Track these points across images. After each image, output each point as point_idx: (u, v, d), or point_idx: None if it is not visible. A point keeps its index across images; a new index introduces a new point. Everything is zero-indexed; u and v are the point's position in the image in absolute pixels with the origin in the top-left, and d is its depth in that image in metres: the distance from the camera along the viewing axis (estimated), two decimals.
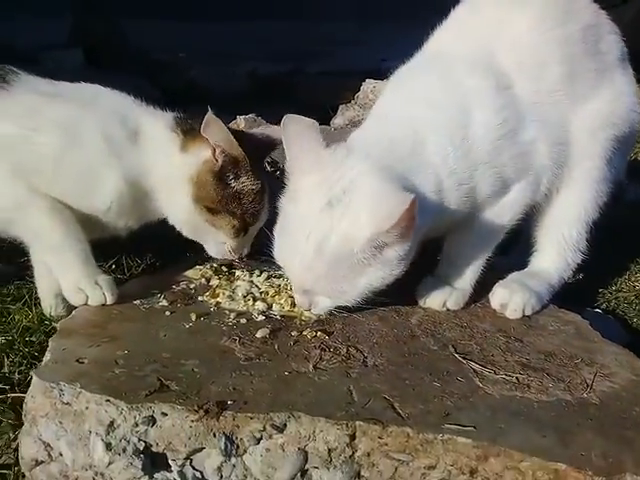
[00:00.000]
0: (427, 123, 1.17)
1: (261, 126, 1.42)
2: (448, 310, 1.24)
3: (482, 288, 1.30)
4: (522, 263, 1.43)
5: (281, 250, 1.11)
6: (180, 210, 1.26)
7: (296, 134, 1.09)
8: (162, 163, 1.24)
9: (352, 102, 2.90)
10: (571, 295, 1.59)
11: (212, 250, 1.30)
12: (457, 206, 1.19)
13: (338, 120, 2.79)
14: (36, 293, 1.39)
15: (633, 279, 1.77)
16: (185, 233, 1.30)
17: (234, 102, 3.02)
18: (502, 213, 1.27)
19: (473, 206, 1.23)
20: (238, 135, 1.24)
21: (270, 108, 2.93)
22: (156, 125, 1.25)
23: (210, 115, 1.19)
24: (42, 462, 0.86)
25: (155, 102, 3.13)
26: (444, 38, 1.32)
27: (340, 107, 2.87)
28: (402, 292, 1.27)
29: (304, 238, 1.04)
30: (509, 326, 1.20)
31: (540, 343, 1.15)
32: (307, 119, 1.10)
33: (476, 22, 1.32)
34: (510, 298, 1.25)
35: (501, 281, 1.30)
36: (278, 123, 2.62)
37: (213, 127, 1.20)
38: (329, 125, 2.74)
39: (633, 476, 0.80)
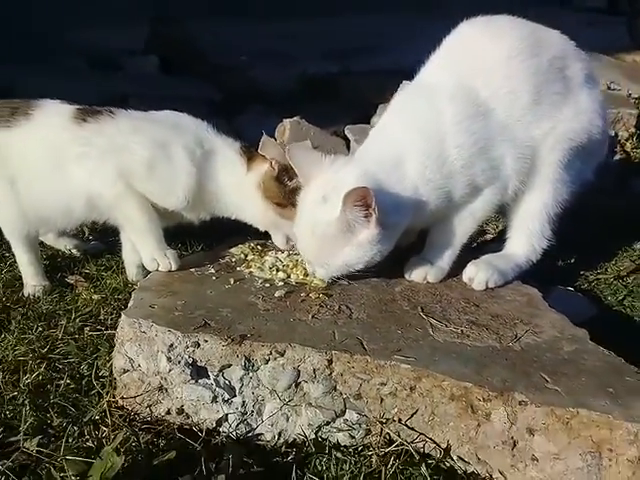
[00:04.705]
0: (409, 145, 1.50)
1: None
2: (428, 282, 1.59)
3: (460, 266, 1.64)
4: None
5: (296, 232, 1.52)
6: (257, 211, 1.68)
7: (302, 156, 1.49)
8: (235, 180, 1.67)
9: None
10: (557, 275, 1.90)
11: (279, 241, 1.71)
12: (434, 205, 1.52)
13: (376, 119, 3.11)
14: (122, 264, 1.86)
15: (619, 263, 2.02)
16: (261, 227, 1.73)
17: (287, 102, 3.41)
18: (475, 210, 1.59)
19: (449, 204, 1.55)
20: None
21: (318, 107, 3.32)
22: (230, 151, 1.68)
23: (265, 137, 1.63)
24: (127, 371, 1.30)
25: (219, 104, 3.58)
26: (433, 69, 1.64)
27: (379, 106, 3.19)
28: (394, 270, 1.65)
29: (305, 224, 1.43)
30: (473, 295, 1.53)
31: (493, 308, 1.48)
32: (306, 143, 1.49)
33: (459, 55, 1.63)
34: (476, 274, 1.58)
35: (473, 260, 1.64)
36: (323, 123, 2.98)
37: (268, 146, 1.63)
38: (369, 123, 3.08)
39: (520, 394, 1.15)
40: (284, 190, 1.64)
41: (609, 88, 3.40)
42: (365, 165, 1.47)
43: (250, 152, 1.69)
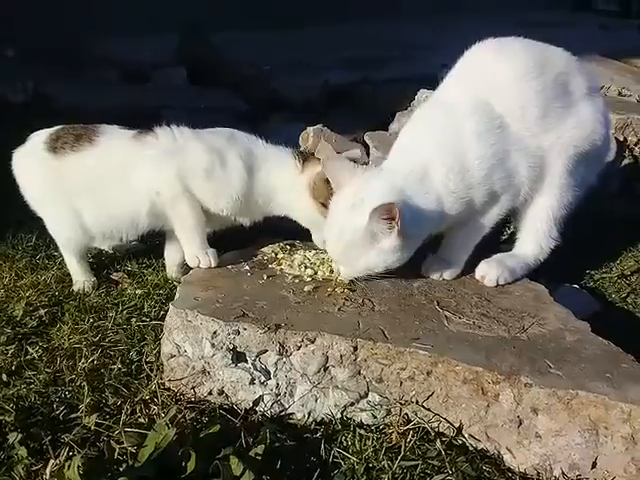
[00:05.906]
0: (433, 160, 1.62)
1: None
2: (443, 279, 1.73)
3: (473, 265, 1.78)
4: None
5: (326, 234, 1.67)
6: (304, 209, 1.83)
7: (337, 166, 1.64)
8: (288, 180, 1.83)
9: (408, 109, 3.34)
10: (564, 273, 2.03)
11: (318, 240, 1.85)
12: (456, 213, 1.65)
13: (394, 126, 3.22)
14: (161, 263, 2.02)
15: (624, 263, 2.16)
16: (305, 224, 1.88)
17: (309, 110, 3.57)
18: (489, 215, 1.73)
19: (470, 211, 1.69)
20: None
21: (339, 115, 3.47)
22: (283, 156, 1.85)
23: (322, 142, 1.79)
24: (174, 355, 1.46)
25: (245, 113, 3.74)
26: (450, 87, 1.77)
27: (397, 114, 3.32)
28: (412, 267, 1.78)
29: (334, 227, 1.58)
30: (485, 291, 1.67)
31: (503, 302, 1.61)
32: (342, 155, 1.65)
33: (474, 74, 1.75)
34: (488, 271, 1.72)
35: (486, 259, 1.78)
36: (343, 130, 3.12)
37: (324, 149, 1.78)
38: (387, 130, 3.22)
39: (526, 377, 1.29)
40: (331, 192, 1.76)
41: (620, 94, 3.50)
42: (392, 179, 1.60)
43: (305, 156, 1.85)
